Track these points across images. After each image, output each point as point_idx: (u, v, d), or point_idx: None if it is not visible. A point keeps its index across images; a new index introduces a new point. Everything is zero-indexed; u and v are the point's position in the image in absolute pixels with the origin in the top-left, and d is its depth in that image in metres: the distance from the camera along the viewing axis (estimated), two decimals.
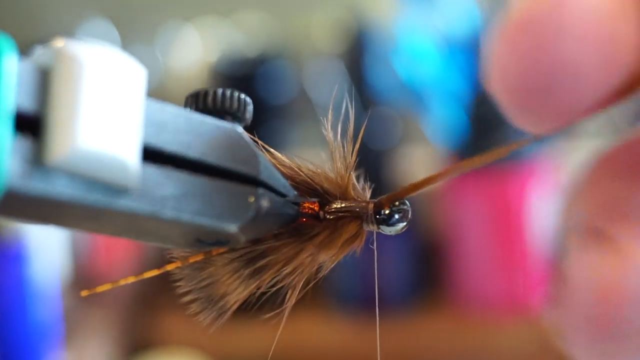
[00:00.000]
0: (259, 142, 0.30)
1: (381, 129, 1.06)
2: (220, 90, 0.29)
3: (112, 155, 0.24)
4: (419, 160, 1.13)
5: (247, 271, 0.30)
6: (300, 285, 0.31)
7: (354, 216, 0.31)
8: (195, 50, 1.19)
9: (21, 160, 0.23)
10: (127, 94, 0.25)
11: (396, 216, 0.31)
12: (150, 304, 1.11)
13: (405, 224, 0.31)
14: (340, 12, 1.14)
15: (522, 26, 0.21)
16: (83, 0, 1.21)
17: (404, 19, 1.07)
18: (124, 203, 0.26)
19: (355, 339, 1.05)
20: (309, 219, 0.31)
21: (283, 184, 0.30)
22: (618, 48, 0.21)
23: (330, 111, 0.31)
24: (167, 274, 0.31)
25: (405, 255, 1.06)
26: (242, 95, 0.29)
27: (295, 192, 0.31)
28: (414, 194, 0.30)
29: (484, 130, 1.03)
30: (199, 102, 0.29)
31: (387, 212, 0.31)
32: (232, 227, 0.28)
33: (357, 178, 0.32)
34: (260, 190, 0.29)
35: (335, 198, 0.31)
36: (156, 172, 0.26)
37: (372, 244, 0.32)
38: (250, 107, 0.29)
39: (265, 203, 0.28)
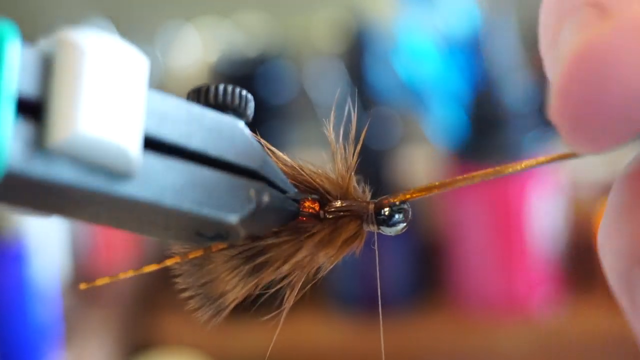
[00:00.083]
0: (261, 140, 0.30)
1: (381, 129, 1.06)
2: (221, 86, 0.29)
3: (113, 141, 0.25)
4: (419, 160, 1.13)
5: (246, 268, 0.30)
6: (300, 285, 0.31)
7: (354, 216, 0.31)
8: (195, 50, 1.19)
9: (22, 143, 0.24)
10: (129, 82, 0.25)
11: (396, 216, 0.31)
12: (150, 304, 1.11)
13: (405, 224, 0.31)
14: (340, 12, 1.14)
15: (586, 57, 0.22)
16: (83, 0, 1.21)
17: (404, 19, 1.07)
18: (124, 189, 0.26)
19: (355, 339, 1.05)
20: (309, 218, 0.31)
21: (284, 181, 0.30)
22: None
23: (331, 112, 0.31)
24: (167, 274, 0.31)
25: (405, 256, 1.06)
26: (244, 92, 0.29)
27: (296, 190, 0.31)
28: (414, 198, 0.30)
29: (484, 130, 1.03)
30: (200, 97, 0.29)
31: (387, 212, 0.31)
32: (233, 218, 0.28)
33: (358, 180, 0.32)
34: (261, 185, 0.29)
35: (336, 198, 0.31)
36: (157, 161, 0.27)
37: (373, 245, 0.32)
38: (251, 104, 0.29)
39: (265, 197, 0.29)
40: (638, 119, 0.22)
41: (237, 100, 0.29)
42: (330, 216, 0.31)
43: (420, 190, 0.31)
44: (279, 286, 0.31)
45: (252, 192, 0.28)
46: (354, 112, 0.31)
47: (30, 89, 0.24)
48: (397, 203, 0.31)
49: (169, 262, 0.31)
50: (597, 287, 1.07)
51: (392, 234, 0.31)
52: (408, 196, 0.31)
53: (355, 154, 0.31)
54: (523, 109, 1.04)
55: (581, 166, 1.11)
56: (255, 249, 0.30)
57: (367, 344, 1.02)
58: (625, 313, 0.25)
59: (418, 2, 1.06)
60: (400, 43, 1.06)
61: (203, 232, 0.28)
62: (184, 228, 0.28)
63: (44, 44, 0.25)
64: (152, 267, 0.31)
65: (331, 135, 0.31)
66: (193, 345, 1.05)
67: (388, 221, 0.31)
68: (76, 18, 1.14)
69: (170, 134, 0.27)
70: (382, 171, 1.06)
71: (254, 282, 0.30)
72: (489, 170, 0.30)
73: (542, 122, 1.05)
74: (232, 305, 0.31)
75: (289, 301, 0.31)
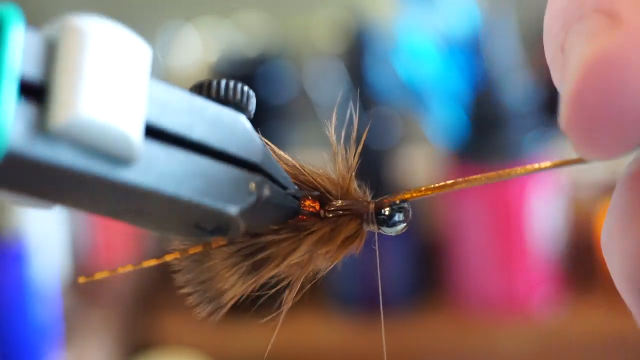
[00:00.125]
0: (263, 139, 0.30)
1: (381, 129, 1.06)
2: (223, 81, 0.29)
3: (114, 125, 0.25)
4: (419, 160, 1.13)
5: (245, 265, 0.30)
6: (300, 283, 0.31)
7: (355, 215, 0.31)
8: (195, 50, 1.19)
9: (24, 124, 0.24)
10: (132, 68, 0.25)
11: (396, 216, 0.31)
12: (150, 304, 1.11)
13: (405, 224, 0.31)
14: (340, 12, 1.14)
15: (599, 66, 0.22)
16: (83, 1, 1.21)
17: (404, 19, 1.07)
18: (125, 175, 0.26)
19: (355, 339, 1.05)
20: (309, 217, 0.31)
21: (285, 178, 0.30)
22: None
23: (332, 112, 0.31)
24: (167, 274, 0.31)
25: (405, 256, 1.06)
26: (245, 87, 0.29)
27: (296, 188, 0.31)
28: (414, 198, 0.30)
29: (484, 130, 1.03)
30: (202, 92, 0.29)
31: (387, 212, 0.31)
32: (233, 210, 0.28)
33: (358, 180, 0.32)
34: (262, 178, 0.29)
35: (336, 198, 0.31)
36: (158, 149, 0.27)
37: (373, 245, 0.32)
38: (253, 100, 0.29)
39: (266, 191, 0.29)
40: None
41: (238, 95, 0.29)
42: (331, 215, 0.31)
43: (421, 190, 0.31)
44: (279, 286, 0.31)
45: (253, 185, 0.28)
46: (355, 113, 0.32)
47: (33, 72, 0.24)
48: (398, 202, 0.31)
49: (168, 258, 0.31)
50: (597, 287, 1.07)
51: (393, 233, 0.31)
52: (408, 196, 0.31)
53: (356, 154, 0.32)
54: (523, 109, 1.04)
55: (581, 166, 1.11)
56: (255, 246, 0.30)
57: (367, 344, 1.02)
58: (632, 313, 0.25)
59: (418, 2, 1.06)
60: (400, 43, 1.06)
61: (203, 225, 0.28)
62: (184, 219, 0.28)
63: (48, 29, 0.25)
64: (152, 262, 0.31)
65: (332, 136, 0.31)
66: (193, 345, 1.05)
67: (388, 221, 0.31)
68: None
69: (171, 123, 0.27)
70: (382, 171, 1.06)
71: (253, 280, 0.30)
72: (492, 173, 0.30)
73: (542, 122, 1.05)
74: (231, 303, 0.31)
75: (289, 301, 0.31)
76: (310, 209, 0.31)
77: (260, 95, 0.30)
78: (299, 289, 0.31)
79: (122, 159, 0.25)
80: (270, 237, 0.30)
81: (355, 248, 0.31)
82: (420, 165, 1.13)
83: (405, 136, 1.10)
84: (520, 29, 1.10)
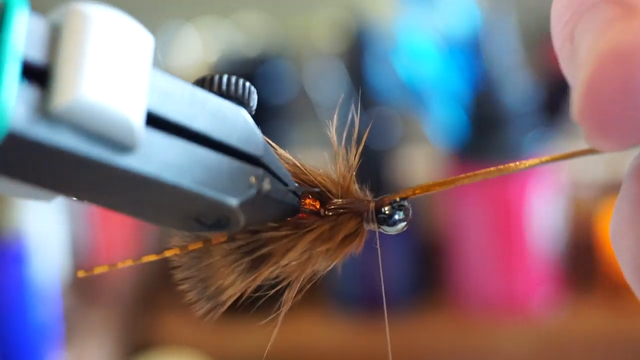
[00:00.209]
0: (264, 138, 0.30)
1: (381, 129, 1.06)
2: (225, 76, 0.29)
3: (116, 111, 0.25)
4: (419, 160, 1.13)
5: (245, 262, 0.30)
6: (300, 282, 0.31)
7: (355, 214, 0.31)
8: (195, 50, 1.19)
9: (26, 106, 0.24)
10: (134, 55, 0.26)
11: (397, 215, 0.31)
12: (150, 304, 1.11)
13: (405, 223, 0.31)
14: (340, 12, 1.14)
15: (614, 57, 0.22)
16: (83, 1, 1.21)
17: (404, 19, 1.07)
18: (126, 161, 0.26)
19: (355, 339, 1.05)
20: (310, 215, 0.31)
21: (285, 174, 0.30)
22: None
23: (332, 112, 0.31)
24: (167, 273, 0.31)
25: (405, 255, 1.06)
26: (247, 83, 0.29)
27: (297, 185, 0.31)
28: (416, 195, 0.30)
29: (484, 130, 1.03)
30: (205, 86, 0.29)
31: (387, 210, 0.31)
32: (233, 201, 0.28)
33: (359, 180, 0.32)
34: (263, 172, 0.29)
35: (337, 197, 0.31)
36: (160, 138, 0.27)
37: (374, 244, 0.32)
38: (254, 96, 0.29)
39: (266, 185, 0.29)
40: None
41: (240, 90, 0.29)
42: (331, 214, 0.31)
43: (422, 188, 0.31)
44: (279, 287, 0.31)
45: (253, 179, 0.28)
46: (357, 113, 0.32)
47: (36, 55, 0.24)
48: (398, 200, 0.31)
49: (167, 254, 0.31)
50: (597, 287, 1.07)
51: (393, 232, 0.31)
52: (410, 192, 0.31)
53: (357, 154, 0.32)
54: (523, 109, 1.04)
55: (581, 166, 1.11)
56: (255, 243, 0.30)
57: (367, 344, 1.02)
58: None
59: (418, 2, 1.06)
60: (400, 43, 1.06)
61: (203, 219, 0.28)
62: (184, 211, 0.28)
63: (53, 15, 0.25)
64: (151, 258, 0.31)
65: (333, 136, 0.31)
66: (193, 345, 1.05)
67: (389, 219, 0.31)
68: None
69: (173, 112, 0.27)
70: (382, 171, 1.06)
71: (253, 277, 0.30)
72: (497, 167, 0.30)
73: (542, 122, 1.05)
74: (231, 300, 0.31)
75: (288, 301, 0.31)
76: (311, 207, 0.31)
77: (260, 95, 0.30)
78: (299, 288, 0.31)
79: (123, 145, 0.25)
80: (270, 234, 0.30)
81: (356, 247, 0.31)
82: (420, 165, 1.13)
83: (405, 136, 1.10)
84: (520, 29, 1.10)
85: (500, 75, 1.04)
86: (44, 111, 0.24)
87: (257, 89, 0.30)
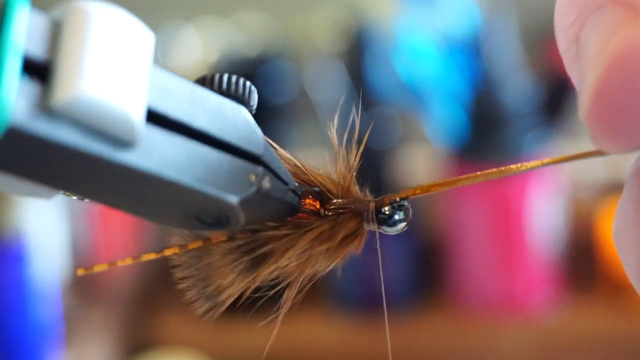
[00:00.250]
0: (265, 137, 0.30)
1: (381, 129, 1.06)
2: (226, 75, 0.29)
3: (116, 107, 0.25)
4: (419, 160, 1.13)
5: (245, 261, 0.30)
6: (300, 281, 0.31)
7: (355, 214, 0.31)
8: (195, 50, 1.19)
9: (27, 100, 0.24)
10: (135, 52, 0.26)
11: (397, 215, 0.31)
12: (150, 304, 1.11)
13: (405, 223, 0.31)
14: (340, 12, 1.14)
15: (625, 59, 0.22)
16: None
17: (404, 19, 1.07)
18: (126, 157, 0.26)
19: (355, 339, 1.05)
20: (309, 215, 0.31)
21: (285, 173, 0.30)
22: None
23: (333, 112, 0.31)
24: (167, 274, 0.31)
25: (405, 255, 1.06)
26: (248, 82, 0.29)
27: (297, 184, 0.31)
28: (416, 196, 0.30)
29: (484, 130, 1.03)
30: (205, 85, 0.29)
31: (387, 210, 0.31)
32: (233, 199, 0.28)
33: (359, 180, 0.32)
34: (263, 170, 0.29)
35: (337, 197, 0.31)
36: (160, 135, 0.27)
37: (374, 244, 0.32)
38: (255, 95, 0.29)
39: (266, 183, 0.29)
40: None
41: (241, 89, 0.29)
42: (331, 214, 0.31)
43: (422, 188, 0.31)
44: (279, 287, 0.31)
45: (253, 177, 0.28)
46: (357, 114, 0.32)
47: (37, 51, 0.24)
48: (398, 200, 0.31)
49: (167, 252, 0.31)
50: (597, 287, 1.07)
51: (393, 232, 0.31)
52: (410, 193, 0.31)
53: (358, 155, 0.32)
54: (523, 109, 1.04)
55: (581, 166, 1.11)
56: (254, 243, 0.30)
57: (367, 344, 1.02)
58: None
59: (418, 2, 1.06)
60: (400, 43, 1.06)
61: (203, 217, 0.28)
62: (184, 209, 0.28)
63: (54, 11, 0.25)
64: (151, 256, 0.31)
65: (334, 136, 0.31)
66: (193, 345, 1.05)
67: (388, 220, 0.31)
68: None
69: (173, 110, 0.27)
70: (382, 171, 1.06)
71: (252, 276, 0.30)
72: (499, 169, 0.30)
73: (542, 122, 1.05)
74: (230, 299, 0.31)
75: (288, 301, 0.31)
76: (311, 207, 0.31)
77: (260, 95, 0.30)
78: (299, 289, 0.31)
79: (123, 141, 0.25)
80: (269, 233, 0.30)
81: (356, 247, 0.31)
82: (420, 165, 1.13)
83: (405, 136, 1.10)
84: (520, 29, 1.10)
85: (500, 75, 1.04)
86: (44, 106, 0.24)
87: (257, 89, 0.30)
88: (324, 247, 0.30)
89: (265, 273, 0.30)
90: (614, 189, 1.08)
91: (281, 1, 1.25)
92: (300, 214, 0.31)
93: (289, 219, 0.31)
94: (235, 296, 0.31)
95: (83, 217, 1.08)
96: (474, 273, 1.06)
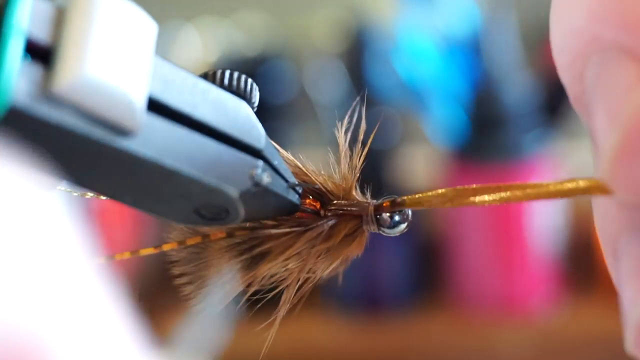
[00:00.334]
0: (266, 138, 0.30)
1: (381, 129, 1.06)
2: (228, 71, 0.29)
3: (119, 90, 0.25)
4: (419, 160, 1.13)
5: (244, 258, 0.30)
6: (299, 281, 0.31)
7: (355, 215, 0.31)
8: (195, 50, 1.19)
9: (29, 82, 0.24)
10: (137, 40, 0.26)
11: (396, 218, 0.31)
12: (150, 304, 1.11)
13: (405, 225, 0.31)
14: (340, 12, 1.14)
15: None
16: None
17: (404, 19, 1.07)
18: (126, 144, 0.26)
19: (355, 340, 1.05)
20: (309, 214, 0.31)
21: (285, 169, 0.30)
22: None
23: (333, 112, 0.31)
24: (168, 274, 0.31)
25: (405, 255, 1.06)
26: (249, 79, 0.29)
27: (297, 181, 0.31)
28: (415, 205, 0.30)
29: (484, 130, 1.03)
30: (207, 80, 0.29)
31: (387, 213, 0.31)
32: (233, 191, 0.28)
33: (359, 180, 0.32)
34: (263, 165, 0.29)
35: (338, 198, 0.31)
36: (161, 124, 0.27)
37: (374, 245, 0.32)
38: (256, 92, 0.29)
39: (266, 177, 0.29)
40: None
41: (242, 86, 0.29)
42: (331, 214, 0.31)
43: (422, 199, 0.30)
44: (279, 287, 0.31)
45: (253, 170, 0.28)
46: (362, 115, 0.32)
47: (41, 34, 0.24)
48: (398, 202, 0.31)
49: (166, 247, 0.31)
50: (597, 287, 1.07)
51: (393, 234, 0.31)
52: (407, 199, 0.31)
53: (361, 155, 0.32)
54: (523, 109, 1.04)
55: (581, 166, 1.11)
56: (253, 240, 0.30)
57: (367, 344, 1.02)
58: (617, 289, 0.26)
59: (418, 2, 1.06)
60: (400, 43, 1.06)
61: (202, 211, 0.28)
62: (183, 201, 0.28)
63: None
64: (149, 251, 0.31)
65: (341, 137, 0.31)
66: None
67: (388, 222, 0.31)
68: None
69: (175, 100, 0.27)
70: (382, 171, 1.06)
71: (251, 274, 0.30)
72: (510, 189, 0.30)
73: (542, 122, 1.05)
74: (230, 298, 0.31)
75: (287, 301, 0.31)
76: (311, 207, 0.31)
77: (260, 95, 0.30)
78: (299, 289, 0.31)
79: (124, 127, 0.25)
80: (269, 231, 0.30)
81: (356, 249, 0.31)
82: (421, 165, 1.13)
83: (405, 136, 1.10)
84: (520, 29, 1.10)
85: (500, 75, 1.04)
86: (46, 89, 0.24)
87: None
88: (323, 247, 0.30)
89: (264, 271, 0.30)
90: None
91: (281, 1, 1.25)
92: (300, 213, 0.31)
93: (288, 217, 0.31)
94: (235, 294, 0.31)
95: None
96: (474, 273, 1.06)
